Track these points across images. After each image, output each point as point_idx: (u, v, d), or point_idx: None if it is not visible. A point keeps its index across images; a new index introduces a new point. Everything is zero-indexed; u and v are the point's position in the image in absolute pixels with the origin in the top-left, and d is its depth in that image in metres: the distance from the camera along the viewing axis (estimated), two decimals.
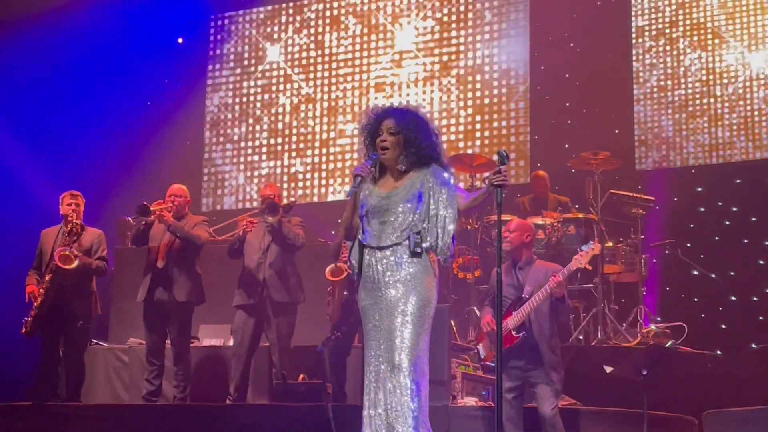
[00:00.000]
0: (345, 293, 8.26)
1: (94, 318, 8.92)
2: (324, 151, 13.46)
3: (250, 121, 13.93)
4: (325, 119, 13.54)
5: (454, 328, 9.18)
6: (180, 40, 14.35)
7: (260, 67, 14.01)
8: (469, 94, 12.90)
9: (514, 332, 7.02)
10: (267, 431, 7.83)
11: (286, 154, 13.65)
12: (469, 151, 12.19)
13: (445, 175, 5.40)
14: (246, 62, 14.12)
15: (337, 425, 7.35)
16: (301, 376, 8.65)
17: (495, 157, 5.10)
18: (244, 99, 14.01)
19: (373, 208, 5.40)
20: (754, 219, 11.23)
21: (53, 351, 8.70)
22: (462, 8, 13.12)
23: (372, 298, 5.35)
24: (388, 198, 5.40)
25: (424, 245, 5.30)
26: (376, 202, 5.40)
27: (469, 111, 12.86)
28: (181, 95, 14.06)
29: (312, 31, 13.83)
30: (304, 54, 13.81)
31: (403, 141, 5.42)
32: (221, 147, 14.02)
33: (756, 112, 11.55)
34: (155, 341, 8.87)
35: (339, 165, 13.31)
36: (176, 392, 8.80)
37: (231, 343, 9.31)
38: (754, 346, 9.87)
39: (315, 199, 13.40)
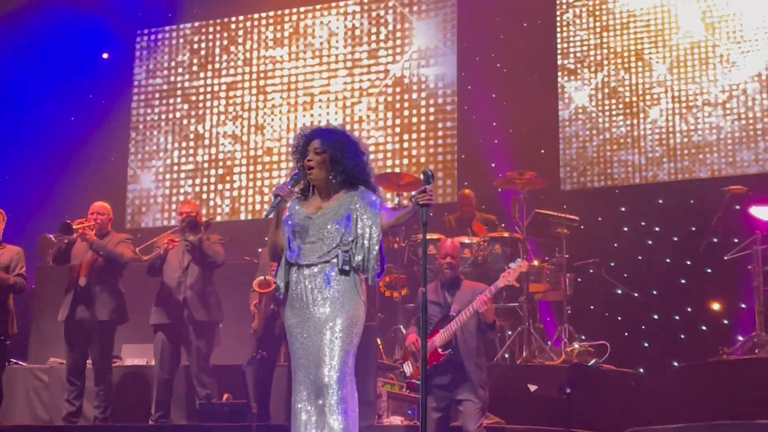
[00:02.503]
0: (271, 307, 8.19)
1: (10, 336, 8.71)
2: (252, 168, 13.39)
3: (176, 137, 13.81)
4: (253, 137, 13.47)
5: (381, 346, 9.16)
6: (105, 56, 14.17)
7: (186, 84, 13.90)
8: (397, 113, 12.93)
9: (440, 350, 7.03)
10: None
11: (213, 171, 13.55)
12: (397, 170, 12.22)
13: (373, 197, 5.41)
14: (172, 78, 14.00)
15: None
16: (226, 395, 8.55)
17: (421, 177, 5.12)
18: (170, 115, 13.88)
19: (300, 228, 5.39)
20: (675, 239, 11.39)
21: None
22: (390, 27, 13.17)
23: (299, 317, 5.32)
24: (315, 218, 5.39)
25: (355, 262, 5.29)
26: (303, 221, 5.39)
27: (397, 130, 12.89)
28: (105, 111, 13.89)
29: (240, 48, 13.77)
30: (232, 71, 13.74)
31: (329, 160, 5.42)
32: (146, 164, 13.86)
33: (678, 134, 11.74)
34: (76, 361, 8.72)
35: (267, 183, 13.24)
36: (97, 413, 8.66)
37: (153, 362, 9.17)
38: (675, 364, 9.99)
39: (242, 216, 13.32)
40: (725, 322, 10.69)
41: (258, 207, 13.22)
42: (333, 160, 5.42)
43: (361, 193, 5.40)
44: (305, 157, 5.46)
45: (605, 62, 12.24)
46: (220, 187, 13.48)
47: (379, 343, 9.06)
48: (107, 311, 8.68)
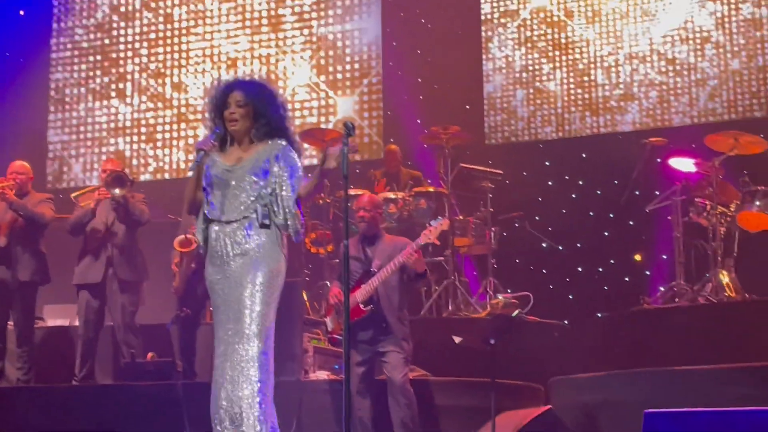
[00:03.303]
0: (192, 266, 8.14)
1: None
2: (175, 127, 13.23)
3: (97, 96, 13.56)
4: (174, 94, 13.29)
5: (307, 302, 9.17)
6: (21, 12, 13.83)
7: (107, 41, 13.63)
8: (322, 70, 12.85)
9: (362, 305, 7.06)
10: (115, 411, 7.69)
11: (135, 130, 13.35)
12: (322, 126, 12.18)
13: (293, 155, 5.37)
14: (92, 36, 13.70)
15: (187, 403, 7.26)
16: (150, 354, 8.51)
17: (342, 129, 5.11)
18: (91, 73, 13.61)
19: (218, 180, 5.34)
20: (599, 192, 11.54)
21: None
22: None
23: (220, 273, 5.31)
24: (234, 170, 5.35)
25: (276, 221, 5.27)
26: (222, 174, 5.35)
27: (322, 86, 12.82)
28: (23, 69, 13.59)
29: (161, 4, 13.53)
30: (153, 27, 13.50)
31: (252, 113, 5.38)
32: (67, 123, 13.60)
33: (599, 88, 11.86)
34: None
35: (190, 141, 13.10)
36: (20, 374, 8.59)
37: (77, 323, 9.06)
38: (599, 315, 10.15)
39: (166, 176, 13.18)
40: (647, 272, 10.89)
41: (183, 165, 13.07)
42: (257, 112, 5.39)
43: (282, 151, 5.36)
44: (225, 108, 5.40)
45: (529, 17, 12.27)
46: (143, 146, 13.30)
47: (306, 298, 9.06)
48: (29, 272, 8.60)
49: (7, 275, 8.53)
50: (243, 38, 13.18)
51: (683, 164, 9.24)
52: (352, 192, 8.79)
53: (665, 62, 11.66)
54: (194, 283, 8.12)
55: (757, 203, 8.87)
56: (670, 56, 11.64)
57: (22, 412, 7.87)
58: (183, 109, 13.23)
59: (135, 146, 13.32)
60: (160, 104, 13.32)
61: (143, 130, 13.32)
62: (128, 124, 13.38)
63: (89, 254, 8.58)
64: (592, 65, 11.93)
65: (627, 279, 11.10)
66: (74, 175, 13.46)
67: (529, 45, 12.23)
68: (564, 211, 11.61)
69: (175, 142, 13.18)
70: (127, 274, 8.55)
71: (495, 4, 12.42)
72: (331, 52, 12.87)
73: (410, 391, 6.98)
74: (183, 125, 13.20)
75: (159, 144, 13.23)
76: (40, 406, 7.93)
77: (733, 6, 11.48)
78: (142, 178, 13.02)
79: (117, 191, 8.45)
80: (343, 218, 5.23)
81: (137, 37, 13.53)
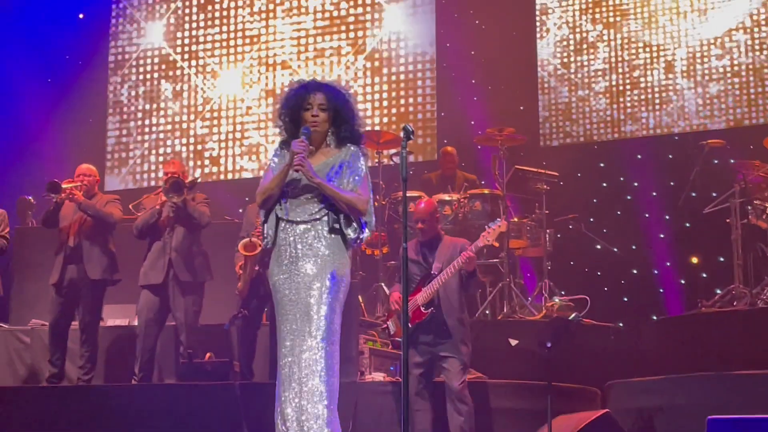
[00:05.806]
0: (256, 269, 8.19)
1: None
2: (231, 128, 13.33)
3: (155, 97, 13.71)
4: (232, 95, 13.40)
5: (362, 304, 9.20)
6: (81, 16, 14.03)
7: (164, 44, 13.79)
8: (376, 71, 12.89)
9: (423, 308, 7.08)
10: (173, 411, 7.75)
11: (192, 131, 13.48)
12: (377, 128, 12.21)
13: (361, 162, 5.41)
14: (150, 38, 13.86)
15: (244, 403, 7.33)
16: (208, 354, 8.57)
17: (401, 133, 5.12)
18: (148, 75, 13.77)
19: (294, 183, 5.35)
20: (654, 194, 11.46)
21: None
22: None
23: (287, 273, 5.30)
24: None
25: (342, 222, 5.31)
26: (298, 176, 5.35)
27: (376, 88, 12.86)
28: (82, 72, 13.77)
29: (217, 6, 13.66)
30: (210, 30, 13.63)
31: (332, 118, 5.40)
32: (125, 125, 13.77)
33: (656, 89, 11.78)
34: (60, 323, 8.72)
35: (246, 142, 13.21)
36: (80, 373, 8.67)
37: (136, 323, 9.16)
38: (654, 318, 10.09)
39: (222, 177, 13.28)
40: (704, 275, 10.79)
41: (238, 167, 13.19)
42: (338, 118, 5.41)
43: (353, 157, 5.40)
44: (303, 109, 5.41)
45: (584, 16, 12.22)
46: (199, 147, 13.42)
47: (361, 300, 9.09)
48: (99, 270, 8.69)
49: (76, 274, 8.63)
50: (298, 41, 13.25)
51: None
52: (408, 194, 8.81)
53: (722, 62, 11.54)
54: (257, 285, 8.17)
55: None
56: (727, 56, 11.52)
57: (82, 412, 7.96)
58: (239, 111, 13.33)
59: (191, 147, 13.44)
60: (216, 105, 13.44)
61: (200, 131, 13.43)
62: (185, 125, 13.51)
63: (152, 256, 8.66)
64: (648, 66, 11.84)
65: (683, 282, 11.00)
66: (132, 176, 13.61)
67: (584, 46, 12.17)
68: (619, 212, 11.56)
69: (231, 144, 13.28)
70: (186, 275, 8.59)
71: (551, 6, 12.37)
72: (385, 54, 12.90)
73: (468, 397, 7.00)
74: (239, 126, 13.30)
75: (216, 145, 13.34)
76: (99, 405, 8.01)
77: None
78: (198, 180, 13.13)
79: (174, 197, 8.51)
80: (402, 221, 5.25)
81: (194, 39, 13.66)
